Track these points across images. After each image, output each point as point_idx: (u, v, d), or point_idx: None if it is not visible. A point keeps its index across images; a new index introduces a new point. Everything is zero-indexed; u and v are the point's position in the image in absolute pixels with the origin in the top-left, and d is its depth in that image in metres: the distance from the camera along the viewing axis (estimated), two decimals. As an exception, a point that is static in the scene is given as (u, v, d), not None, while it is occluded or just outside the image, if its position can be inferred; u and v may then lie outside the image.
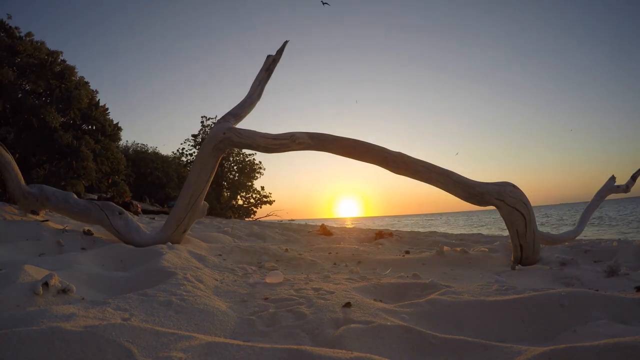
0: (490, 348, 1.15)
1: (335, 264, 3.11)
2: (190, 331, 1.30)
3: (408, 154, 3.12)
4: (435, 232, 10.41)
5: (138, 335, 1.05)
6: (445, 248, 3.30)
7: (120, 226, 3.18)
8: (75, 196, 3.45)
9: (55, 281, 1.50)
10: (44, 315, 1.18)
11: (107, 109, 9.71)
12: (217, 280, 2.17)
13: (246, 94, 3.84)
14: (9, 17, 7.78)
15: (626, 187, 5.44)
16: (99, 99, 9.55)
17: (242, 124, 3.56)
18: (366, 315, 1.50)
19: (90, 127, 9.18)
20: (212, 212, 15.58)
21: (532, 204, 2.95)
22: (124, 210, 3.31)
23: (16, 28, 7.88)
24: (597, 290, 1.77)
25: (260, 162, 20.41)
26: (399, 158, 3.09)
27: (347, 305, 1.60)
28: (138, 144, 19.90)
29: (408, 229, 13.41)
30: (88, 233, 3.30)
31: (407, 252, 3.79)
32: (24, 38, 7.90)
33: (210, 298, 1.66)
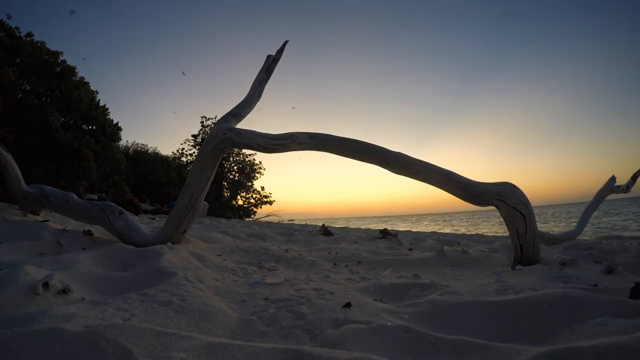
0: (490, 348, 1.15)
1: (335, 264, 3.11)
2: (191, 331, 1.30)
3: (408, 154, 3.12)
4: (435, 232, 10.41)
5: (138, 335, 1.05)
6: (445, 248, 3.30)
7: (121, 226, 3.18)
8: (75, 196, 3.45)
9: (55, 281, 1.50)
10: (44, 316, 1.18)
11: (107, 109, 9.71)
12: (217, 280, 2.17)
13: (246, 94, 3.84)
14: (9, 17, 7.77)
15: (626, 187, 5.45)
16: (99, 99, 9.55)
17: (242, 124, 3.56)
18: (366, 315, 1.50)
19: (90, 127, 9.18)
20: (212, 212, 15.58)
21: (532, 204, 2.95)
22: (124, 211, 3.31)
23: (16, 28, 7.88)
24: (595, 289, 1.77)
25: (260, 162, 20.41)
26: (399, 158, 3.09)
27: (347, 305, 1.60)
28: (138, 144, 19.89)
29: (408, 229, 13.41)
30: (88, 233, 3.30)
31: (408, 252, 3.79)
32: (24, 38, 7.89)
33: (211, 298, 1.66)
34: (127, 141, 19.53)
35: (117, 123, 9.95)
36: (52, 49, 8.19)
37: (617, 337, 1.03)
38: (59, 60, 8.33)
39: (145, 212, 11.69)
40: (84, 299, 1.54)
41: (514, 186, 2.94)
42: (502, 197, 2.88)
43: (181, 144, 21.84)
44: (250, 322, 1.47)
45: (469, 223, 26.51)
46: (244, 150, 18.74)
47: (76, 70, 8.62)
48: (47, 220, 3.63)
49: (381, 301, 1.83)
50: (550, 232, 5.31)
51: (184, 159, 20.11)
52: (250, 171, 20.02)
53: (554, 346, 1.05)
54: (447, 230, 15.51)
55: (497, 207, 2.93)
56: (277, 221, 16.16)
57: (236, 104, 3.69)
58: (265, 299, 1.79)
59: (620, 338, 1.01)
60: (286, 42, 4.15)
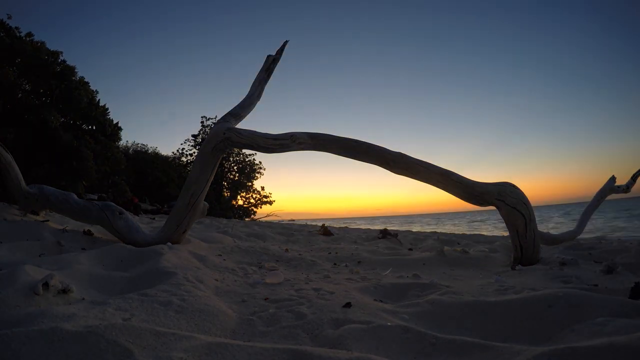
0: (490, 348, 1.15)
1: (335, 264, 3.11)
2: (191, 331, 1.30)
3: (408, 154, 3.12)
4: (435, 232, 10.42)
5: (138, 335, 1.05)
6: (445, 248, 3.30)
7: (121, 226, 3.18)
8: (75, 196, 3.45)
9: (55, 281, 1.50)
10: (44, 316, 1.18)
11: (107, 109, 9.70)
12: (217, 280, 2.17)
13: (246, 94, 3.84)
14: (9, 17, 7.76)
15: (626, 187, 5.45)
16: (99, 99, 9.53)
17: (242, 124, 3.56)
18: (366, 315, 1.50)
19: (90, 127, 9.17)
20: (212, 212, 15.57)
21: (532, 204, 2.95)
22: (124, 211, 3.31)
23: (16, 28, 7.87)
24: (595, 289, 1.77)
25: (260, 162, 20.38)
26: (399, 158, 3.09)
27: (347, 305, 1.60)
28: (138, 144, 19.85)
29: (408, 229, 13.41)
30: (88, 233, 3.30)
31: (408, 252, 3.79)
32: (24, 38, 7.88)
33: (211, 298, 1.66)
34: (127, 141, 19.48)
35: (117, 123, 9.94)
36: (51, 49, 8.19)
37: (617, 337, 1.03)
38: (59, 60, 8.32)
39: (145, 212, 11.68)
40: (84, 299, 1.54)
41: (513, 186, 2.94)
42: (502, 197, 2.88)
43: (181, 144, 21.80)
44: (250, 322, 1.47)
45: (469, 223, 26.50)
46: (244, 150, 18.74)
47: (76, 70, 8.61)
48: (47, 220, 3.63)
49: (381, 301, 1.83)
50: (550, 232, 5.31)
51: (184, 159, 20.08)
52: (250, 171, 20.00)
53: (554, 346, 1.05)
54: (446, 230, 15.50)
55: (497, 207, 2.93)
56: (277, 221, 16.15)
57: (236, 104, 3.70)
58: (265, 299, 1.79)
59: (620, 338, 1.01)
60: (286, 42, 4.15)
